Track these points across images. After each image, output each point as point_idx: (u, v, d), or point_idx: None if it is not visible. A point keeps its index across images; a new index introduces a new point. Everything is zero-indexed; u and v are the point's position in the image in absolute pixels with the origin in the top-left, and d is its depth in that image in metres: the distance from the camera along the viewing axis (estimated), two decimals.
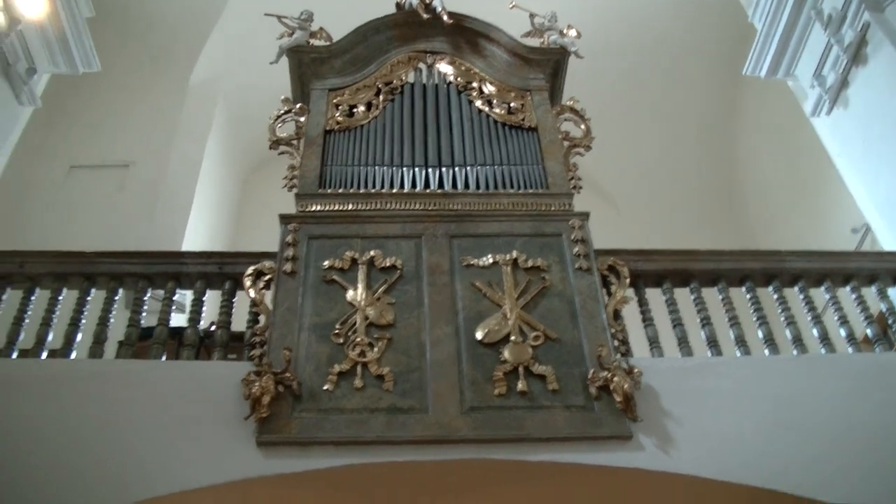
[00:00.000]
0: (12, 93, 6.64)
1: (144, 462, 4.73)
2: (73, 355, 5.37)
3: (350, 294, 5.31)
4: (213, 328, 5.58)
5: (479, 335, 5.15)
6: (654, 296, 5.84)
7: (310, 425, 4.77)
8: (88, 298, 5.62)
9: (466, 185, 6.03)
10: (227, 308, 5.54)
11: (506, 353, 5.07)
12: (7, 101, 6.62)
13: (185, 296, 5.74)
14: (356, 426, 4.78)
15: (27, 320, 5.54)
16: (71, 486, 4.62)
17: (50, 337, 5.45)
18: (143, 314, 5.58)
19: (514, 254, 5.56)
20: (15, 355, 5.34)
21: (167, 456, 4.75)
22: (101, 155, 9.73)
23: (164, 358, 5.36)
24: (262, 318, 5.27)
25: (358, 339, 5.09)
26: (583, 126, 6.73)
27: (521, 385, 4.93)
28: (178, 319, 6.11)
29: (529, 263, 5.53)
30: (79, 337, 5.45)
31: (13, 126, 6.66)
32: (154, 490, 4.64)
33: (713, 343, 5.53)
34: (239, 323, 5.53)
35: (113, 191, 9.39)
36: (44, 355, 5.36)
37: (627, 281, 5.61)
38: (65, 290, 5.67)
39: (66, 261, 5.67)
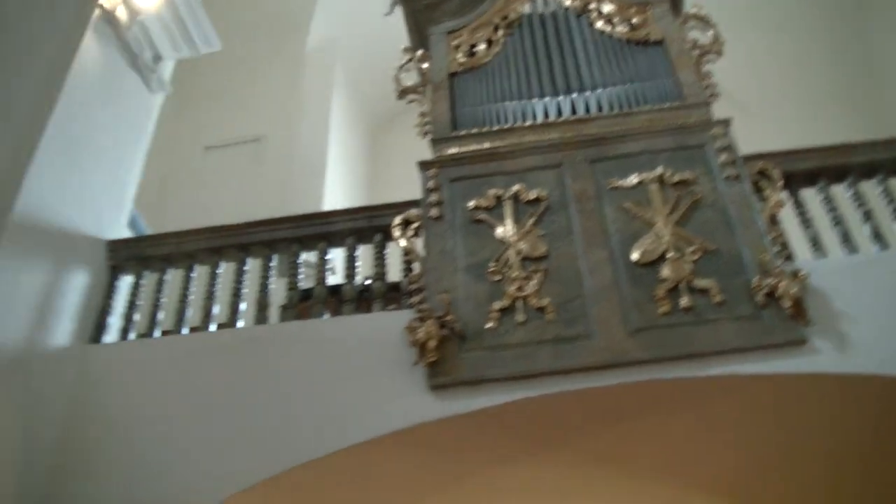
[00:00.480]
0: (143, 83, 6.89)
1: (325, 417, 4.92)
2: (240, 324, 5.64)
3: (499, 231, 5.33)
4: (368, 282, 5.74)
5: (634, 256, 5.10)
6: (809, 196, 5.66)
7: (478, 364, 4.84)
8: (245, 269, 5.87)
9: (599, 108, 5.93)
10: (380, 260, 5.66)
11: (665, 271, 5.01)
12: (139, 92, 6.87)
13: (332, 259, 5.91)
14: (524, 360, 4.83)
15: (191, 296, 5.84)
16: (262, 446, 4.89)
17: (216, 309, 5.73)
18: (301, 276, 5.79)
19: (659, 170, 5.45)
20: (186, 331, 5.66)
21: (344, 409, 4.92)
22: (233, 132, 10.04)
23: (326, 316, 5.56)
24: (416, 266, 5.35)
25: (514, 275, 5.11)
26: (710, 32, 6.50)
27: (684, 301, 4.86)
28: (330, 280, 6.29)
29: (676, 178, 5.42)
30: (242, 306, 5.70)
31: (149, 115, 6.93)
32: (341, 441, 4.84)
33: (878, 237, 5.33)
34: (393, 274, 5.67)
35: (248, 165, 9.70)
36: (212, 328, 5.65)
37: (780, 184, 5.44)
38: (222, 264, 5.95)
39: (220, 234, 5.90)
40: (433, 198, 5.55)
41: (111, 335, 5.64)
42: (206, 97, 10.52)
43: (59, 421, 5.09)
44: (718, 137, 5.57)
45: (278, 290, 5.99)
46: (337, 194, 9.87)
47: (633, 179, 5.44)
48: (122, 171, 6.41)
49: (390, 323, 5.14)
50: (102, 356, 5.46)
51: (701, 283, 4.93)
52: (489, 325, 4.96)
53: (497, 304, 5.02)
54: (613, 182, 5.46)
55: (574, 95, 6.02)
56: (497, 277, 5.14)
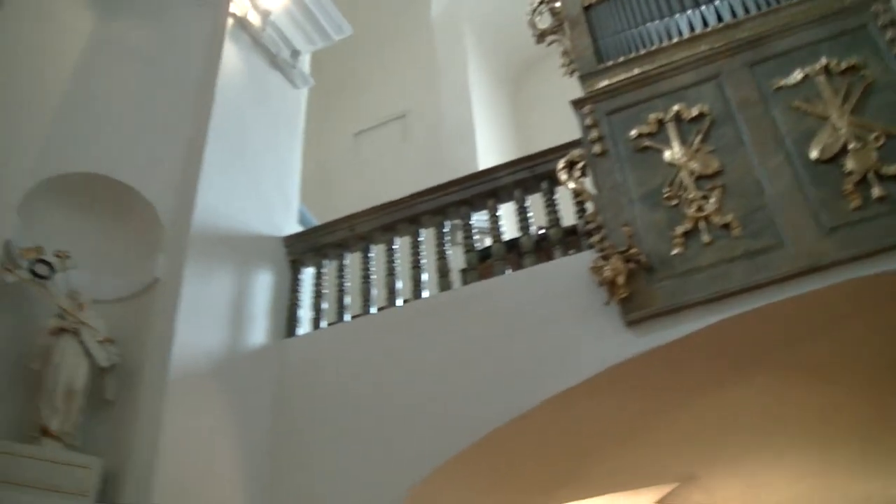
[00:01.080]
0: (286, 79, 7.14)
1: (522, 372, 5.00)
2: (425, 294, 5.79)
3: (667, 154, 5.23)
4: (543, 231, 5.77)
5: (813, 154, 4.89)
6: None
7: (671, 292, 4.79)
8: (420, 239, 6.00)
9: (746, 10, 5.67)
10: (551, 207, 5.67)
11: (848, 164, 4.78)
12: (284, 89, 7.12)
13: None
14: (717, 280, 4.74)
15: (373, 276, 6.04)
16: (463, 411, 5.04)
17: (399, 285, 5.91)
18: (476, 238, 5.88)
19: (823, 61, 5.17)
20: (374, 310, 5.87)
21: (540, 361, 4.99)
22: (377, 113, 10.24)
23: (508, 272, 5.62)
24: (588, 206, 5.31)
25: (691, 196, 5.01)
26: None
27: (876, 191, 4.63)
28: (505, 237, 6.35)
29: (843, 66, 5.13)
30: (424, 277, 5.85)
31: (297, 109, 7.18)
32: (542, 394, 4.91)
33: None
34: (567, 218, 5.67)
35: (397, 143, 9.90)
36: (399, 302, 5.84)
37: None
38: (397, 240, 6.10)
39: (390, 211, 6.06)
40: (593, 134, 5.49)
41: (303, 327, 5.93)
42: (344, 84, 10.76)
43: (269, 412, 5.44)
44: (881, 14, 5.26)
45: (456, 255, 6.12)
46: (489, 154, 9.90)
47: (797, 76, 5.22)
48: (284, 167, 6.68)
49: (574, 267, 5.16)
50: (298, 348, 5.75)
51: (890, 169, 4.71)
52: (675, 251, 4.90)
53: (679, 229, 4.95)
54: (776, 83, 5.23)
55: (716, 2, 5.80)
56: (674, 202, 5.06)
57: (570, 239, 5.52)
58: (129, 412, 5.03)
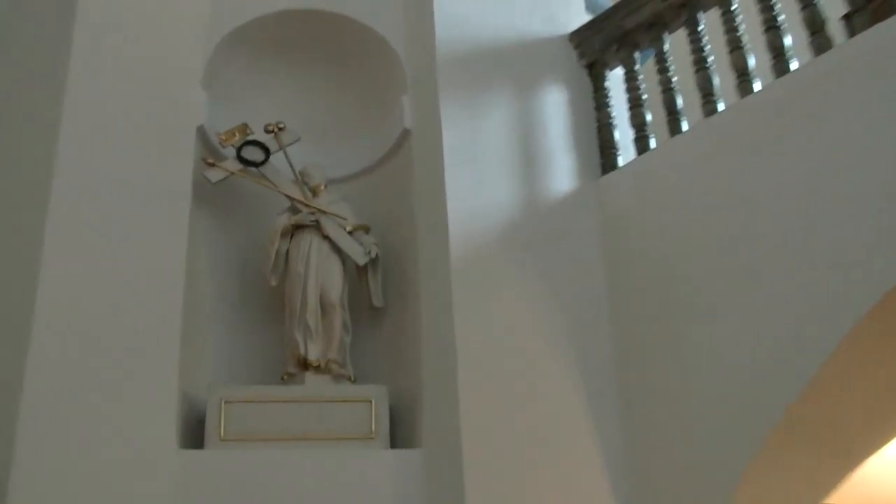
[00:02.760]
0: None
1: None
2: (793, 65, 3.90)
3: None
4: None
5: None
6: None
7: None
8: None
9: None
10: None
11: None
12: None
13: None
14: None
15: (709, 58, 4.21)
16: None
17: (751, 62, 4.06)
18: None
19: None
20: (721, 106, 4.08)
21: None
22: None
23: None
24: None
25: None
26: None
27: None
28: None
29: None
30: (787, 41, 3.95)
31: None
32: None
33: None
34: None
35: None
36: (757, 86, 4.01)
37: None
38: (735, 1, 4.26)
39: None
40: None
41: (625, 154, 4.31)
42: None
43: (597, 289, 4.00)
44: None
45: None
46: None
47: None
48: None
49: None
50: (623, 186, 4.13)
51: None
52: None
53: None
54: None
55: None
56: None
57: None
58: (407, 319, 3.90)
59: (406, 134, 4.12)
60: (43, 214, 3.50)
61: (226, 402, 3.56)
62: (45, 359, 3.28)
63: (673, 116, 4.19)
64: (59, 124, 3.65)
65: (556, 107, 4.31)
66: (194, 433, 3.57)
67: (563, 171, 4.16)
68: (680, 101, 4.22)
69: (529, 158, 4.13)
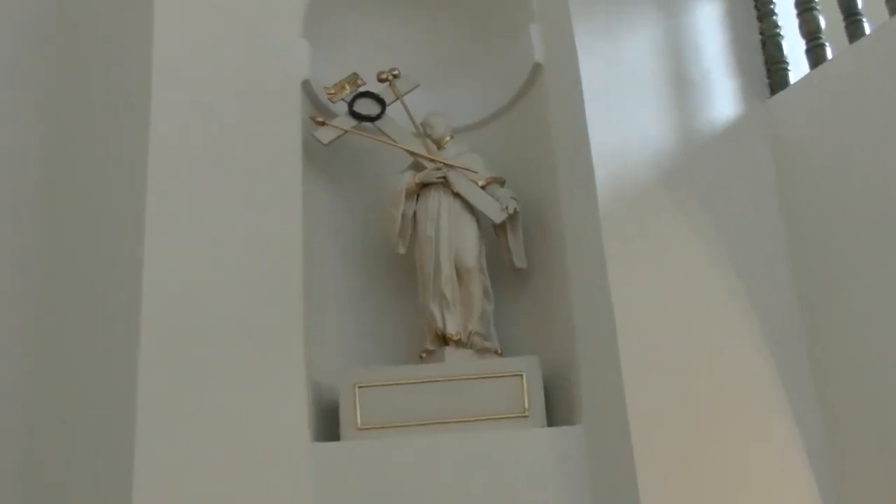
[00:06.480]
0: None
1: None
2: None
3: None
4: None
5: None
6: None
7: None
8: None
9: None
10: None
11: None
12: None
13: None
14: None
15: None
16: None
17: None
18: None
19: None
20: None
21: None
22: None
23: None
24: None
25: None
26: None
27: None
28: None
29: None
30: None
31: None
32: None
33: None
34: None
35: None
36: None
37: None
38: None
39: None
40: None
41: (797, 69, 3.99)
42: None
43: (775, 236, 3.73)
44: None
45: None
46: None
47: None
48: None
49: None
50: (798, 106, 3.83)
51: None
52: None
53: None
54: None
55: None
56: None
57: None
58: (555, 280, 3.66)
59: (537, 69, 3.87)
60: (142, 196, 3.42)
61: (360, 388, 3.40)
62: (156, 354, 3.20)
63: (852, 18, 3.84)
64: (149, 99, 3.55)
65: (709, 21, 3.97)
66: (326, 423, 3.43)
67: (724, 95, 3.83)
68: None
69: (682, 85, 3.81)
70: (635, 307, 3.34)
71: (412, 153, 3.83)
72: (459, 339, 3.60)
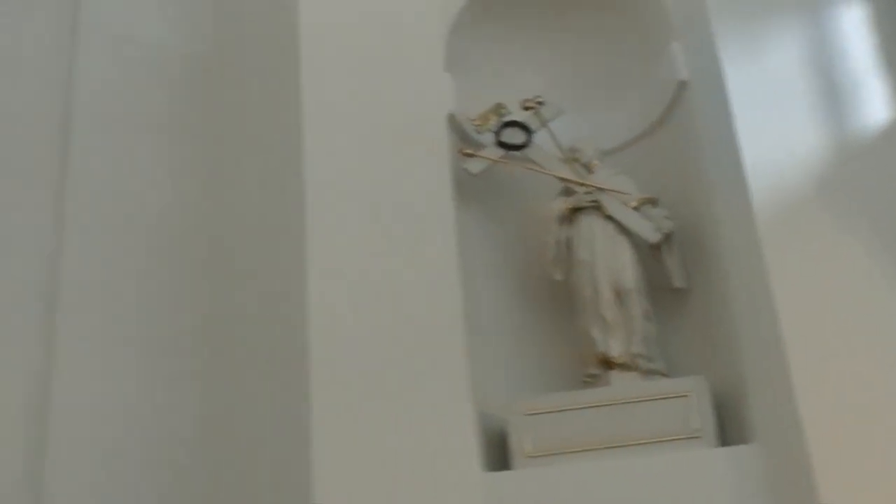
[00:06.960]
0: None
1: None
2: None
3: None
4: None
5: None
6: None
7: None
8: None
9: None
10: None
11: None
12: None
13: None
14: None
15: None
16: None
17: None
18: None
19: None
20: None
21: None
22: None
23: None
24: None
25: None
26: None
27: None
28: None
29: None
30: None
31: None
32: None
33: None
34: None
35: None
36: None
37: None
38: None
39: None
40: None
41: None
42: None
43: None
44: None
45: None
46: None
47: None
48: None
49: None
50: None
51: None
52: None
53: None
54: None
55: None
56: None
57: None
58: (715, 298, 3.62)
59: (682, 87, 3.84)
60: (301, 236, 3.49)
61: (528, 415, 3.42)
62: (328, 398, 3.28)
63: None
64: (301, 145, 3.64)
65: (855, 24, 3.96)
66: (495, 452, 3.44)
67: (876, 100, 3.73)
68: None
69: (832, 92, 3.72)
70: (801, 319, 3.27)
71: (562, 179, 3.82)
72: (624, 362, 3.58)
